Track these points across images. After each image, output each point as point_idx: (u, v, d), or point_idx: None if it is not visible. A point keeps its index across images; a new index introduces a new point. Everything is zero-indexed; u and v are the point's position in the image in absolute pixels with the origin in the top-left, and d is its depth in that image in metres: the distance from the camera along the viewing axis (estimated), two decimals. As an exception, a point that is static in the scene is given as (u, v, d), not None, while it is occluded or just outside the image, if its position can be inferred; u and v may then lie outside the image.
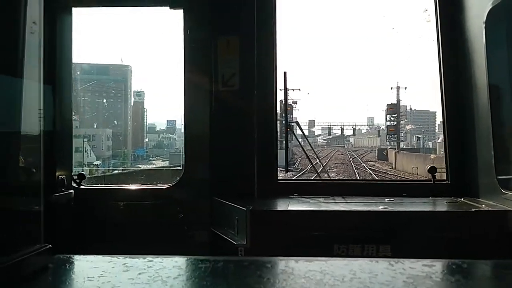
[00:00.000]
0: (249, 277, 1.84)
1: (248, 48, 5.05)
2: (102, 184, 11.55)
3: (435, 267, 1.93)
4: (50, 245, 2.00)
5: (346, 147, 66.95)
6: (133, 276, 1.80)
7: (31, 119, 2.32)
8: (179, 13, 5.20)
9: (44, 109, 4.60)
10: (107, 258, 2.01)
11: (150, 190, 5.47)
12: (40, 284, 1.84)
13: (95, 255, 2.04)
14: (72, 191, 5.00)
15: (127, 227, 4.96)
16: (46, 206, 4.41)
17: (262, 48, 5.15)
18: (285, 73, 5.31)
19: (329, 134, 62.31)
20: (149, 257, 2.03)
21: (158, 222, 5.01)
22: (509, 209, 4.04)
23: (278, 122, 5.65)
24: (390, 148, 48.73)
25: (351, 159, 44.74)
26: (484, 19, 4.33)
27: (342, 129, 58.65)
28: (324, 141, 69.16)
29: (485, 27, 4.35)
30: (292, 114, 38.42)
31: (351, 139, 70.21)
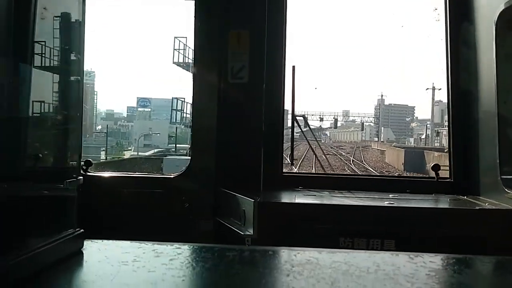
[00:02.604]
0: (278, 266, 1.90)
1: (259, 41, 5.08)
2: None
3: (454, 261, 2.00)
4: (83, 230, 2.04)
5: (324, 142, 56.54)
6: (165, 262, 1.86)
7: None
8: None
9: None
10: (136, 244, 2.06)
11: (156, 178, 5.52)
12: (75, 268, 1.89)
13: (124, 241, 2.09)
14: (82, 177, 5.02)
15: (133, 215, 4.99)
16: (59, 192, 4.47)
17: (272, 42, 5.18)
18: (293, 67, 5.35)
19: (305, 126, 56.48)
20: (176, 244, 2.08)
21: (164, 210, 5.05)
22: None
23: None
24: (434, 151, 29.71)
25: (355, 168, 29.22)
26: (495, 19, 4.39)
27: (321, 119, 48.92)
28: (297, 134, 60.98)
29: (496, 28, 4.40)
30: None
31: (328, 133, 61.29)
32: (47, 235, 1.84)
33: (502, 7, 4.28)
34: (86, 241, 2.07)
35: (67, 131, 4.86)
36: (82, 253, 1.98)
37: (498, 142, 4.39)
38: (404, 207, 4.39)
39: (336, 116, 51.07)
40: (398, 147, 42.54)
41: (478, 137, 4.86)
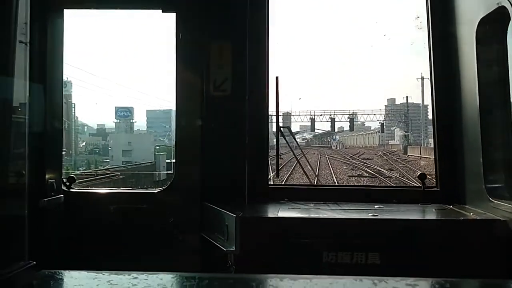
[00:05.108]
0: None
1: (241, 53, 5.05)
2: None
3: (418, 287, 1.94)
4: (35, 262, 1.99)
5: (335, 148, 45.49)
6: None
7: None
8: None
9: (33, 110, 4.58)
10: (92, 274, 2.01)
11: (141, 194, 5.47)
12: None
13: (79, 271, 2.04)
14: (62, 195, 4.99)
15: (118, 231, 4.95)
16: (35, 211, 4.43)
17: (255, 53, 5.15)
18: (277, 78, 5.31)
19: (312, 130, 40.87)
20: (134, 274, 2.02)
21: (149, 226, 5.01)
22: (497, 218, 4.07)
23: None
24: None
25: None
26: (475, 28, 4.35)
27: (332, 121, 36.58)
28: (303, 141, 45.25)
29: (476, 36, 4.36)
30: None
31: (337, 137, 49.39)
32: None
33: (481, 15, 4.24)
34: (40, 272, 2.02)
35: (44, 147, 4.85)
36: (33, 286, 1.92)
37: (482, 151, 4.35)
38: (387, 219, 4.34)
39: (352, 115, 38.38)
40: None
41: (463, 146, 4.82)
